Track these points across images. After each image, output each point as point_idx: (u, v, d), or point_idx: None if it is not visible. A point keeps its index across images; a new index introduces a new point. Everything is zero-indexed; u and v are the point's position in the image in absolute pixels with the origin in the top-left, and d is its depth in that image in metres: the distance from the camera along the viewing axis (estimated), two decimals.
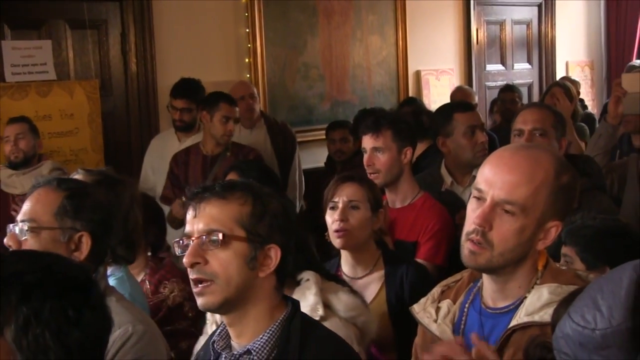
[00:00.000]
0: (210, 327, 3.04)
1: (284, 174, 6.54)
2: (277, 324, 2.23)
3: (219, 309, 2.21)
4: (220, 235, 2.15)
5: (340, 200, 3.43)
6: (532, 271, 2.23)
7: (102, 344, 1.74)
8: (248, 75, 7.31)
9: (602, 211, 3.84)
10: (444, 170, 4.50)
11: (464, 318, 2.32)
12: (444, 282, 2.47)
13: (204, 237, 2.16)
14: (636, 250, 3.10)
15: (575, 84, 8.60)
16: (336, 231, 3.41)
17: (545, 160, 2.19)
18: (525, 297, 2.19)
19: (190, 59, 6.84)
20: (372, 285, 3.44)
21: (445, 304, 2.37)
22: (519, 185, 2.12)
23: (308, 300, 2.75)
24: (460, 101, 6.44)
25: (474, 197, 2.21)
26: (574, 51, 11.04)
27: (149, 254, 3.71)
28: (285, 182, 6.53)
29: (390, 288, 3.40)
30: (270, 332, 2.21)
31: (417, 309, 2.43)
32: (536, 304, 2.14)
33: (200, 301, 2.19)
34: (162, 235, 3.92)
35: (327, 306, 2.77)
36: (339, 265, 3.56)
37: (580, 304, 1.75)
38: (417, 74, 8.93)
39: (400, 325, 3.32)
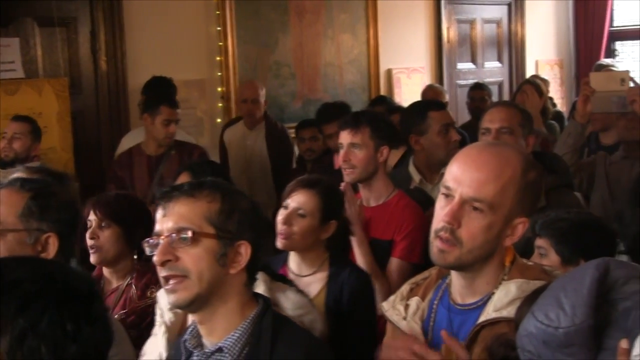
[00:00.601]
0: (159, 329, 3.04)
1: (277, 176, 6.58)
2: (248, 321, 2.24)
3: (190, 305, 2.21)
4: (190, 233, 2.16)
5: (290, 204, 3.42)
6: (500, 267, 2.24)
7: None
8: (219, 74, 7.30)
9: (570, 208, 3.88)
10: (412, 168, 4.51)
11: (432, 315, 2.32)
12: (412, 280, 2.48)
13: (174, 235, 2.17)
14: (610, 243, 3.14)
15: (545, 82, 8.66)
16: (279, 233, 3.40)
17: (512, 157, 2.20)
18: (493, 293, 2.21)
19: (161, 57, 6.82)
20: (314, 285, 3.43)
21: (414, 302, 2.38)
22: (487, 182, 2.14)
23: None
24: (433, 99, 6.47)
25: (442, 194, 2.21)
26: (544, 50, 11.10)
27: (135, 257, 3.62)
28: (281, 184, 6.57)
29: (331, 291, 3.39)
30: (242, 330, 2.22)
31: (386, 306, 2.44)
32: (504, 300, 2.15)
33: (171, 298, 2.20)
34: (149, 237, 3.88)
35: (275, 304, 2.76)
36: (286, 260, 3.55)
37: (544, 302, 1.77)
38: (389, 72, 8.96)
39: (335, 330, 3.32)
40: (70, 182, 3.28)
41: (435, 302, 2.34)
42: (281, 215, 3.43)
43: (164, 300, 3.07)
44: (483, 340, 2.14)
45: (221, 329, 2.23)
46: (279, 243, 3.42)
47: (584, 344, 1.71)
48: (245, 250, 2.23)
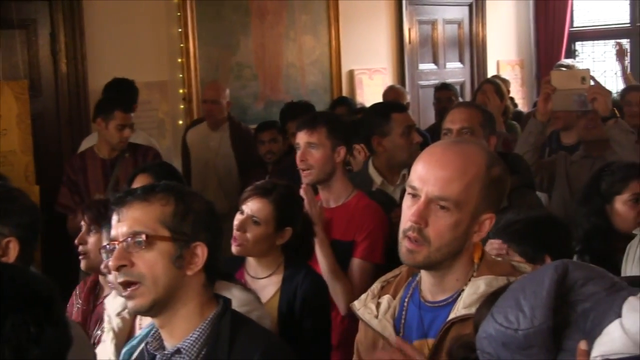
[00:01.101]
0: (107, 335, 3.02)
1: (245, 177, 6.53)
2: (207, 322, 2.25)
3: (149, 310, 2.22)
4: (144, 237, 2.17)
5: (245, 210, 3.43)
6: (469, 264, 2.26)
7: None
8: (181, 75, 7.27)
9: (531, 208, 3.90)
10: (372, 170, 4.51)
11: (404, 313, 2.33)
12: (383, 278, 2.49)
13: (129, 239, 2.18)
14: (568, 237, 3.18)
15: (506, 82, 8.72)
16: (233, 239, 3.41)
17: (476, 154, 2.22)
18: (463, 290, 2.22)
19: (122, 59, 6.77)
20: (269, 288, 3.43)
21: (385, 300, 2.38)
22: (452, 180, 2.15)
23: None
24: (395, 101, 6.50)
25: (409, 194, 2.22)
26: (505, 50, 11.19)
27: None
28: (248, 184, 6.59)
29: (284, 295, 3.39)
30: (200, 330, 2.23)
31: (357, 305, 2.44)
32: (473, 296, 2.17)
33: (130, 305, 2.21)
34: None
35: None
36: (243, 261, 3.55)
37: (503, 304, 1.78)
38: (351, 73, 8.97)
39: (286, 333, 3.33)
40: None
41: (406, 299, 2.35)
42: (236, 220, 3.43)
43: (110, 306, 3.07)
44: (453, 336, 2.15)
45: (181, 331, 2.24)
46: (233, 248, 3.42)
47: (543, 345, 1.72)
48: (201, 252, 2.24)
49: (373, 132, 4.49)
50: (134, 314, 2.34)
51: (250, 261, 3.52)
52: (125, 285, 2.18)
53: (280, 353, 2.34)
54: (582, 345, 1.69)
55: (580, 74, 4.70)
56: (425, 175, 2.18)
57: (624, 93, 6.76)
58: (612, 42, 11.56)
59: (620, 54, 9.18)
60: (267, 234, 3.40)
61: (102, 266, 2.96)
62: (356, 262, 3.94)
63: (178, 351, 2.22)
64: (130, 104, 5.83)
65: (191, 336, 2.22)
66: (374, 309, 2.38)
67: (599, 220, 3.64)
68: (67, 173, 5.73)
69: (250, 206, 3.43)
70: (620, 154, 4.49)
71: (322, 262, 3.86)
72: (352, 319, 3.89)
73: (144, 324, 2.87)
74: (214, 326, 2.24)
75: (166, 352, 2.25)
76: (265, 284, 3.45)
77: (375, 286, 2.46)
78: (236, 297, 2.79)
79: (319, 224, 3.87)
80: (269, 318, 2.99)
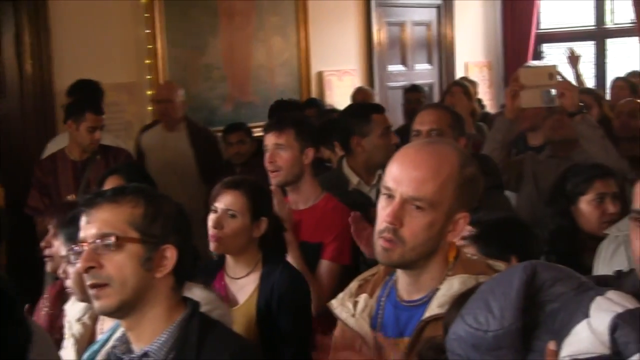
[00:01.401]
0: (67, 341, 2.99)
1: (207, 176, 6.51)
2: (174, 324, 2.24)
3: (116, 312, 2.21)
4: (113, 238, 2.16)
5: (218, 206, 3.42)
6: (444, 263, 2.28)
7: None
8: (149, 77, 7.22)
9: (501, 209, 3.92)
10: (348, 170, 4.51)
11: (380, 312, 2.34)
12: (361, 276, 2.49)
13: (98, 241, 2.17)
14: (529, 236, 3.20)
15: (474, 84, 8.77)
16: (211, 236, 3.40)
17: (449, 154, 2.24)
18: (438, 289, 2.23)
19: (88, 60, 6.69)
20: (247, 287, 3.43)
21: (362, 298, 2.39)
22: (426, 181, 2.16)
23: None
24: (374, 103, 6.54)
25: (383, 194, 2.23)
26: (473, 52, 11.25)
27: None
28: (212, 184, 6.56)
29: (262, 293, 3.38)
30: (168, 334, 2.22)
31: (335, 304, 2.45)
32: (447, 296, 2.17)
33: (96, 305, 2.20)
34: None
35: None
36: (223, 263, 3.54)
37: (473, 305, 1.78)
38: (320, 74, 8.96)
39: (266, 331, 3.34)
40: None
41: (383, 298, 2.36)
42: (211, 219, 3.41)
43: (70, 312, 3.04)
44: (428, 335, 2.16)
45: (149, 334, 2.23)
46: (212, 246, 3.41)
47: (513, 346, 1.72)
48: (170, 254, 2.23)
49: (352, 132, 4.49)
50: (101, 314, 2.32)
51: (229, 261, 3.50)
52: (93, 286, 2.17)
53: (249, 356, 2.35)
54: (551, 345, 1.69)
55: (547, 70, 4.71)
56: (400, 175, 2.19)
57: (613, 82, 6.86)
58: (578, 44, 11.67)
59: (573, 60, 9.26)
60: (244, 226, 3.39)
61: (60, 271, 2.93)
62: (324, 264, 3.94)
63: (146, 354, 2.21)
64: (101, 106, 5.78)
65: (159, 339, 2.21)
66: (351, 308, 2.39)
67: (564, 221, 3.67)
68: (37, 175, 5.67)
69: (223, 201, 3.41)
70: (588, 149, 4.54)
71: (291, 263, 3.85)
72: (321, 321, 3.92)
73: (105, 329, 2.84)
74: (182, 329, 2.24)
75: (133, 355, 2.24)
76: (244, 283, 3.44)
77: (353, 285, 2.47)
78: (197, 296, 2.77)
79: (288, 225, 3.87)
80: (230, 316, 2.97)
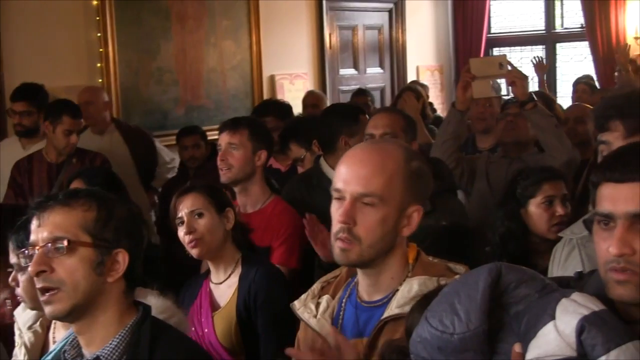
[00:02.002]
0: (19, 350, 2.94)
1: (146, 176, 6.51)
2: (126, 329, 2.23)
3: (67, 316, 2.19)
4: (65, 242, 2.14)
5: (183, 213, 3.42)
6: (404, 262, 2.30)
7: None
8: (100, 80, 7.14)
9: (454, 213, 3.95)
10: (328, 169, 4.45)
11: (341, 313, 2.36)
12: (323, 278, 2.51)
13: (49, 245, 2.15)
14: (478, 243, 3.22)
15: (425, 87, 8.82)
16: (189, 243, 3.40)
17: (393, 150, 2.28)
18: (398, 290, 2.25)
19: (39, 63, 6.60)
20: (228, 290, 3.44)
21: (324, 300, 2.41)
22: (373, 176, 2.19)
23: None
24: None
25: (335, 198, 2.25)
26: (424, 56, 11.31)
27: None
28: (150, 183, 6.58)
29: (241, 294, 3.39)
30: (120, 338, 2.21)
31: (297, 305, 2.46)
32: (407, 296, 2.19)
33: (47, 310, 2.18)
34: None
35: None
36: (209, 272, 3.55)
37: (438, 308, 1.78)
38: (272, 78, 8.95)
39: (247, 331, 3.36)
40: None
41: (344, 300, 2.39)
42: (181, 230, 3.42)
43: (20, 319, 2.98)
44: (386, 336, 2.19)
45: (100, 339, 2.21)
46: (194, 252, 3.42)
47: (478, 348, 1.72)
48: (122, 258, 2.23)
49: (340, 132, 4.45)
50: (52, 319, 2.30)
51: (211, 267, 3.51)
52: (44, 290, 2.15)
53: (201, 358, 2.36)
54: (517, 348, 1.70)
55: (497, 60, 4.76)
56: (347, 175, 2.22)
57: (575, 83, 6.94)
58: (528, 48, 11.82)
59: (540, 68, 9.40)
60: (214, 220, 3.42)
61: (10, 279, 2.87)
62: None
63: (97, 359, 2.19)
64: (78, 110, 5.71)
65: (110, 343, 2.20)
66: (313, 309, 2.41)
67: (514, 224, 3.69)
68: (14, 175, 5.60)
69: (187, 204, 3.43)
70: (541, 139, 4.60)
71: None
72: None
73: (58, 337, 2.80)
74: (133, 333, 2.23)
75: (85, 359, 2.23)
76: (225, 286, 3.45)
77: (316, 286, 2.48)
78: (152, 305, 2.74)
79: None
80: (188, 324, 2.95)
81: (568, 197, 3.68)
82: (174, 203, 3.47)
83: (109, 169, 5.18)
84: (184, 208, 3.42)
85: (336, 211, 2.23)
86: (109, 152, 6.37)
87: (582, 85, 8.48)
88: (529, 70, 11.36)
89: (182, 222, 3.42)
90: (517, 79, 4.59)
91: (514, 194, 3.75)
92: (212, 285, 3.49)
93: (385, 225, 2.20)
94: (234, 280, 3.45)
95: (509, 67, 4.67)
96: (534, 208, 3.68)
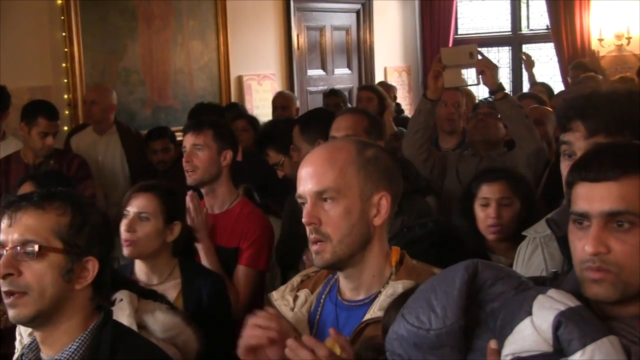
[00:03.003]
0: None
1: (137, 180, 6.37)
2: (87, 333, 2.20)
3: (30, 322, 2.17)
4: (36, 247, 2.11)
5: (131, 210, 3.39)
6: (384, 259, 2.29)
7: None
8: (65, 80, 7.08)
9: (421, 213, 3.94)
10: None
11: (320, 309, 2.35)
12: (304, 272, 2.51)
13: (19, 247, 2.11)
14: (458, 249, 3.20)
15: (392, 88, 8.84)
16: (124, 241, 3.37)
17: (343, 144, 2.31)
18: (381, 292, 2.24)
19: (3, 62, 6.50)
20: (168, 294, 3.35)
21: (303, 293, 2.40)
22: (324, 172, 2.20)
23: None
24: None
25: (300, 204, 2.25)
26: (392, 57, 11.34)
27: None
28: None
29: (188, 299, 3.37)
30: (80, 342, 2.18)
31: (275, 296, 2.45)
32: (390, 299, 2.17)
33: (11, 313, 2.14)
34: None
35: (142, 327, 2.67)
36: (132, 271, 3.49)
37: (415, 305, 1.77)
38: (239, 79, 8.92)
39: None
40: None
41: (324, 296, 2.37)
42: (123, 223, 3.38)
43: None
44: (367, 337, 2.16)
45: (62, 344, 2.19)
46: (125, 251, 3.39)
47: (455, 345, 1.72)
48: (92, 266, 2.20)
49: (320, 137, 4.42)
50: (15, 323, 2.26)
51: (141, 268, 3.46)
52: (9, 293, 2.11)
53: None
54: (492, 344, 1.69)
55: (468, 49, 4.78)
56: (303, 178, 2.23)
57: (519, 99, 6.94)
58: (495, 49, 11.89)
59: (529, 64, 9.45)
60: (157, 229, 3.38)
61: None
62: (241, 269, 3.95)
63: None
64: (55, 111, 5.67)
65: (70, 347, 2.17)
66: (290, 302, 2.39)
67: (467, 221, 3.72)
68: None
69: (136, 204, 3.39)
70: (511, 130, 4.64)
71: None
72: (237, 326, 3.88)
73: None
74: (94, 338, 2.20)
75: None
76: (162, 289, 3.36)
77: (296, 279, 2.48)
78: (159, 322, 2.72)
79: (204, 231, 3.87)
80: (197, 340, 2.91)
81: (507, 201, 3.66)
82: (129, 194, 3.45)
83: (61, 173, 5.14)
84: (134, 206, 3.39)
85: (304, 217, 2.23)
86: (104, 152, 6.36)
87: (539, 87, 8.46)
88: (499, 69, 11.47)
89: (126, 217, 3.39)
90: (486, 68, 4.63)
91: (470, 191, 3.77)
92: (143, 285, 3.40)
93: (351, 216, 2.20)
94: (173, 284, 3.42)
95: (479, 57, 4.70)
96: (477, 207, 3.71)
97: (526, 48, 11.80)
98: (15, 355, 2.88)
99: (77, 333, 2.19)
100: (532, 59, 9.81)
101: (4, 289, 2.12)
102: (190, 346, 2.75)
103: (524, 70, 11.59)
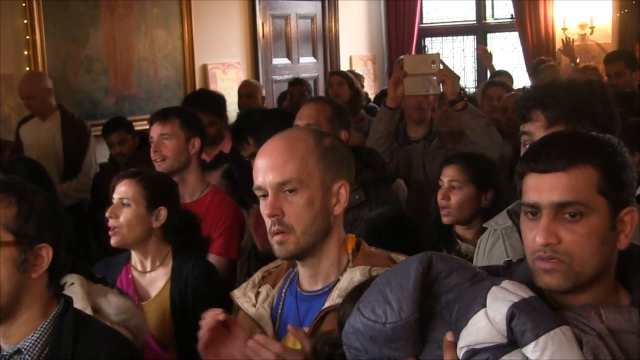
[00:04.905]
0: None
1: (72, 167, 6.40)
2: (48, 320, 2.19)
3: None
4: None
5: (115, 197, 3.39)
6: (342, 246, 2.30)
7: None
8: (27, 69, 6.99)
9: (387, 202, 3.96)
10: None
11: (281, 303, 2.36)
12: (264, 268, 2.50)
13: None
14: (410, 235, 3.23)
15: (359, 77, 8.82)
16: (109, 229, 3.37)
17: (300, 133, 2.32)
18: (339, 280, 2.24)
19: None
20: (158, 281, 3.41)
21: (264, 289, 2.40)
22: (286, 163, 2.19)
23: (75, 306, 2.66)
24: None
25: (259, 196, 2.25)
26: (357, 45, 11.34)
27: None
28: (75, 174, 6.43)
29: (175, 285, 3.37)
30: (42, 330, 2.17)
31: (237, 293, 2.45)
32: (349, 286, 2.17)
33: None
34: None
35: (96, 311, 2.66)
36: (129, 258, 3.49)
37: (370, 298, 1.77)
38: (204, 67, 8.88)
39: (181, 324, 3.32)
40: None
41: (284, 290, 2.38)
42: (108, 210, 3.37)
43: None
44: (328, 326, 2.17)
45: (21, 333, 2.18)
46: (112, 240, 3.38)
47: (410, 337, 1.73)
48: (46, 253, 2.18)
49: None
50: None
51: (135, 255, 3.46)
52: None
53: (126, 351, 2.31)
54: (448, 337, 1.71)
55: (430, 58, 4.79)
56: (263, 169, 2.22)
57: (485, 88, 6.98)
58: (460, 38, 11.94)
59: (485, 57, 9.47)
60: (138, 214, 3.36)
61: None
62: (212, 258, 3.93)
63: (18, 351, 2.16)
64: None
65: (32, 336, 2.16)
66: (252, 298, 2.39)
67: (436, 211, 3.76)
68: None
69: (119, 191, 3.39)
70: (472, 138, 4.63)
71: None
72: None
73: None
74: (56, 324, 2.19)
75: (4, 353, 2.18)
76: (154, 276, 3.41)
77: (257, 276, 2.47)
78: (113, 305, 2.71)
79: None
80: (147, 325, 2.91)
81: (457, 185, 3.68)
82: (113, 183, 3.43)
83: (34, 160, 5.07)
84: (117, 192, 3.39)
85: (264, 208, 2.22)
86: (46, 138, 6.28)
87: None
88: (461, 60, 11.57)
89: (112, 204, 3.39)
90: (447, 77, 4.62)
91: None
92: (135, 273, 3.44)
93: (313, 207, 2.20)
94: (164, 271, 3.41)
95: (441, 66, 4.70)
96: None
97: (491, 37, 11.89)
98: None
99: (37, 322, 2.18)
100: (489, 52, 9.81)
101: None
102: (142, 329, 2.75)
103: None
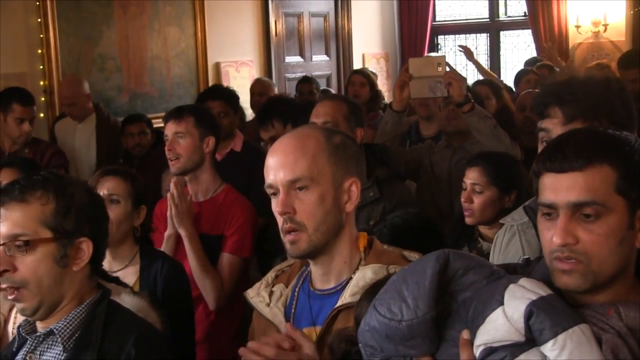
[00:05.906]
0: None
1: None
2: (82, 306, 2.24)
3: (34, 313, 2.21)
4: (25, 241, 2.13)
5: (100, 193, 3.33)
6: (354, 244, 2.29)
7: None
8: (41, 67, 7.01)
9: (401, 200, 3.95)
10: None
11: (294, 302, 2.35)
12: (277, 267, 2.49)
13: (9, 243, 2.13)
14: (432, 240, 3.21)
15: (374, 75, 8.79)
16: None
17: (310, 131, 2.31)
18: (351, 278, 2.23)
19: None
20: (127, 280, 3.36)
21: (278, 288, 2.39)
22: (297, 160, 2.19)
23: None
24: None
25: (271, 194, 2.24)
26: (370, 43, 11.33)
27: None
28: None
29: (144, 284, 3.38)
30: (75, 314, 2.22)
31: (251, 293, 2.44)
32: (360, 284, 2.17)
33: (18, 307, 2.22)
34: None
35: None
36: None
37: (386, 296, 1.77)
38: (217, 65, 8.88)
39: None
40: None
41: (297, 288, 2.37)
42: None
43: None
44: (340, 324, 2.17)
45: (57, 317, 2.23)
46: None
47: (427, 335, 1.72)
48: (86, 247, 2.22)
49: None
50: (23, 315, 2.28)
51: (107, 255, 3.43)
52: (9, 289, 2.15)
53: (154, 339, 2.34)
54: (465, 334, 1.70)
55: (436, 60, 4.77)
56: (275, 167, 2.21)
57: (472, 87, 6.93)
58: (472, 36, 11.92)
59: (468, 54, 9.41)
60: (126, 212, 3.40)
61: None
62: (225, 257, 3.94)
63: (51, 332, 2.20)
64: (30, 97, 5.63)
65: (65, 319, 2.21)
66: (266, 297, 2.38)
67: (460, 208, 3.75)
68: None
69: (106, 186, 3.39)
70: (480, 140, 4.60)
71: (191, 256, 3.85)
72: (220, 314, 3.88)
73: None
74: (89, 311, 2.23)
75: (38, 333, 2.23)
76: (122, 276, 3.36)
77: (270, 275, 2.46)
78: (127, 304, 2.71)
79: (188, 218, 3.85)
80: (161, 325, 2.91)
81: (479, 189, 3.66)
82: (96, 178, 3.43)
83: (35, 161, 5.09)
84: (104, 188, 3.37)
85: (276, 206, 2.22)
86: (80, 138, 6.33)
87: (531, 75, 8.33)
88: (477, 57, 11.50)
89: None
90: (453, 80, 4.58)
91: None
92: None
93: (325, 204, 2.20)
94: (133, 270, 3.43)
95: (447, 68, 4.69)
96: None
97: (504, 35, 11.87)
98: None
99: (73, 308, 2.23)
100: (470, 49, 9.73)
101: (3, 285, 2.15)
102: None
103: (501, 56, 11.64)
